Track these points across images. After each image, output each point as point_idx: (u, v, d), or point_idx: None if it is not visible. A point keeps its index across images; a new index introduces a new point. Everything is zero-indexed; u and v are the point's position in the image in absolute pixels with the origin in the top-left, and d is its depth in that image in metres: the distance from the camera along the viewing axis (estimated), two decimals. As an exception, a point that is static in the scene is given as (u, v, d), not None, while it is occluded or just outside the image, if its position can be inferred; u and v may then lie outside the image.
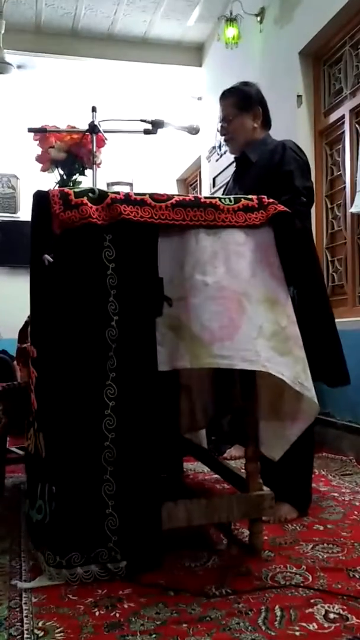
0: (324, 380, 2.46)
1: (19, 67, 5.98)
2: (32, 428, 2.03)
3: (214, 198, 1.89)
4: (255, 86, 2.61)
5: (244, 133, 2.57)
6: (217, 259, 1.84)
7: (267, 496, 1.95)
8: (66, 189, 1.82)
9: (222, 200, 1.88)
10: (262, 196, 1.93)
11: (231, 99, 2.58)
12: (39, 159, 2.91)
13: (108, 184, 2.57)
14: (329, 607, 1.56)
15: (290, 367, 1.84)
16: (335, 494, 2.66)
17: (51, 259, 1.78)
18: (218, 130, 2.71)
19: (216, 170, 5.85)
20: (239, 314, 1.81)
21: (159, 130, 2.64)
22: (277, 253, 1.92)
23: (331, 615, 1.51)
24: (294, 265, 2.00)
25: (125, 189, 2.34)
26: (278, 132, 2.66)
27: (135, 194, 1.83)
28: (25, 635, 1.45)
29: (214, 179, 5.96)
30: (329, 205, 4.07)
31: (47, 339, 1.85)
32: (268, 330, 1.83)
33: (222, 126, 2.63)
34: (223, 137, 2.69)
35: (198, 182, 6.78)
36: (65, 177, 2.91)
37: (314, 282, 2.42)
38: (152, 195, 1.83)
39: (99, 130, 2.62)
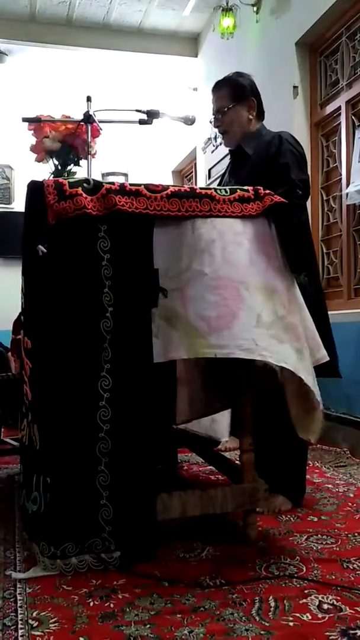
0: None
1: (13, 56, 5.94)
2: (25, 419, 2.03)
3: (210, 189, 1.88)
4: (248, 77, 2.56)
5: (240, 125, 2.52)
6: (214, 247, 1.82)
7: (261, 487, 1.96)
8: (61, 180, 1.80)
9: (218, 191, 1.87)
10: (258, 187, 1.92)
11: (225, 90, 2.52)
12: (33, 149, 2.89)
13: (103, 174, 2.57)
14: (323, 597, 1.57)
15: (290, 355, 1.80)
16: (330, 486, 2.67)
17: (45, 250, 1.77)
18: (211, 122, 2.66)
19: (212, 161, 5.82)
20: (237, 302, 1.79)
21: (155, 120, 2.62)
22: (275, 243, 1.91)
23: (325, 606, 1.52)
24: (299, 253, 1.98)
25: (120, 180, 2.34)
26: (274, 123, 2.64)
27: (131, 185, 1.81)
28: (19, 626, 1.45)
29: (209, 171, 5.94)
30: (325, 197, 4.06)
31: (41, 330, 1.84)
32: (267, 319, 1.81)
33: (215, 118, 2.57)
34: (218, 130, 2.63)
35: (193, 173, 6.75)
36: (60, 167, 2.90)
37: (310, 275, 2.41)
38: (147, 186, 1.81)
39: (94, 120, 2.61)
